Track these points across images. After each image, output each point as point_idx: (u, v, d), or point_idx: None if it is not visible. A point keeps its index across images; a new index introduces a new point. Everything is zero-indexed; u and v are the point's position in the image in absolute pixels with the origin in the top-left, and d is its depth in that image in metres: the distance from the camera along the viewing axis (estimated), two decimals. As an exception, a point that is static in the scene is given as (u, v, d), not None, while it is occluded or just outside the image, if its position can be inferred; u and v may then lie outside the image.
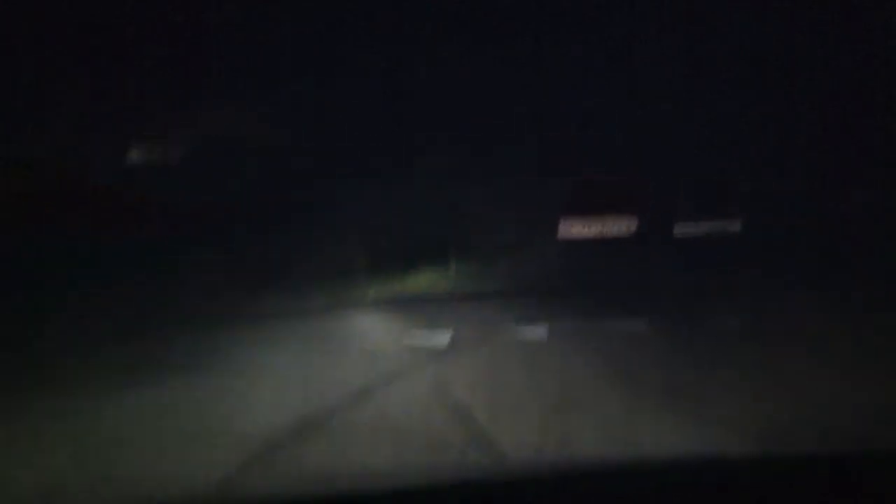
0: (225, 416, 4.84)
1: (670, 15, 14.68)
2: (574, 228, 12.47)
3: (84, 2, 12.91)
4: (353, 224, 11.54)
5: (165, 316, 8.29)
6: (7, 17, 11.88)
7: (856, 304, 8.59)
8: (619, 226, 12.55)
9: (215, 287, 9.66)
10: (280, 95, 13.39)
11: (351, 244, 11.34)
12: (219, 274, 10.12)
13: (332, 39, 13.95)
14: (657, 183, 13.47)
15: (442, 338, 7.21)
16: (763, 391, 5.14)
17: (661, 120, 14.05)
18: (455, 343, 7.12)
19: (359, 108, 13.49)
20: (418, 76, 14.39)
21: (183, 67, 13.28)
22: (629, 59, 14.61)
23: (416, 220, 11.55)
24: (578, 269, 11.25)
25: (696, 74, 14.49)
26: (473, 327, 7.83)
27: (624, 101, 14.35)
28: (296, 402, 5.14)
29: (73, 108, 12.25)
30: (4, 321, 7.56)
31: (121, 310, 8.47)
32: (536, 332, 7.57)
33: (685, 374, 5.73)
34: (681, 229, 12.79)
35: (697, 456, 2.79)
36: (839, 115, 14.11)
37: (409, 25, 14.32)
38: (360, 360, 6.49)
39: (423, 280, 11.48)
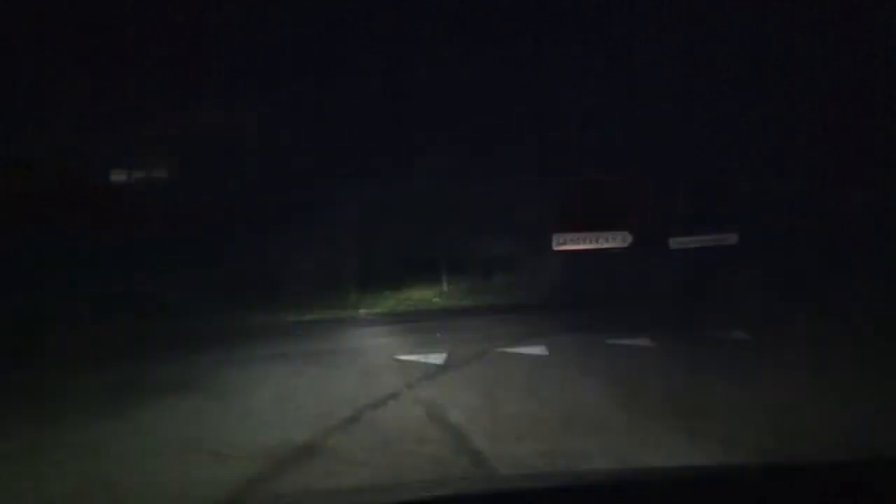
0: (220, 438, 4.77)
1: (670, 15, 14.69)
2: (569, 242, 12.31)
3: (84, 2, 12.92)
4: (346, 234, 11.44)
5: (155, 335, 8.34)
6: (7, 17, 11.89)
7: (856, 306, 8.56)
8: (615, 238, 12.41)
9: (208, 302, 9.68)
10: (280, 95, 13.40)
11: (343, 256, 11.23)
12: (211, 287, 10.12)
13: (332, 39, 13.96)
14: (657, 183, 13.44)
15: (438, 356, 7.07)
16: (765, 406, 5.07)
17: (660, 120, 14.05)
18: (451, 361, 6.88)
19: (359, 109, 13.50)
20: (418, 76, 14.40)
21: (183, 67, 13.29)
22: (629, 59, 14.62)
23: (412, 227, 11.43)
24: (576, 282, 11.08)
25: (695, 74, 14.50)
26: (469, 345, 7.58)
27: (624, 101, 14.35)
28: (288, 423, 5.04)
29: (73, 108, 12.26)
30: None
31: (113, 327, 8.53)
32: (535, 349, 7.37)
33: (689, 390, 5.55)
34: (678, 243, 12.64)
35: (700, 468, 2.76)
36: (839, 116, 14.11)
37: (409, 25, 14.33)
38: (353, 378, 6.36)
39: (417, 294, 11.43)
